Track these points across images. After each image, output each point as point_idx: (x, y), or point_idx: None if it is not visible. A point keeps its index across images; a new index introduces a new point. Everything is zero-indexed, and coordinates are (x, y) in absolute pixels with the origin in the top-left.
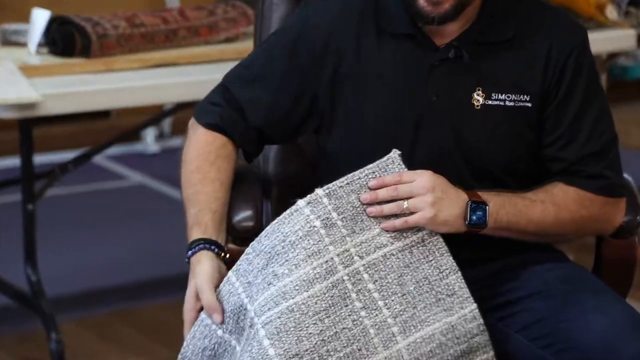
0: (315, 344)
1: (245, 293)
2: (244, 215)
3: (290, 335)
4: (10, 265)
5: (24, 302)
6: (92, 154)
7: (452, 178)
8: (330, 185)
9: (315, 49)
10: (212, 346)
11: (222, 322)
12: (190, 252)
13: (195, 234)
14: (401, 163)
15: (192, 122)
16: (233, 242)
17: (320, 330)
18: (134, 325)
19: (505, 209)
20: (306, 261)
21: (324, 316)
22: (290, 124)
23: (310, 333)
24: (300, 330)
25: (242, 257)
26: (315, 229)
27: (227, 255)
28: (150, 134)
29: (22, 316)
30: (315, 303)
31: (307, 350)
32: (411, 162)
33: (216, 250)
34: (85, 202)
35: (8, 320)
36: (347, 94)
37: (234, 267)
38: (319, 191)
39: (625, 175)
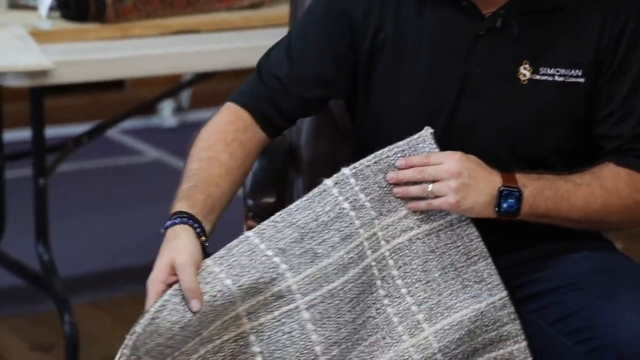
0: (350, 332)
1: (279, 258)
2: (265, 190)
3: (331, 322)
4: (21, 245)
5: (36, 282)
6: (107, 127)
7: (492, 158)
8: (357, 164)
9: (355, 16)
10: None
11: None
12: (169, 222)
13: (180, 206)
14: (433, 142)
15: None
16: (253, 219)
17: (353, 319)
18: None
19: (545, 194)
20: (341, 244)
21: (356, 304)
22: (330, 93)
23: (346, 320)
24: (339, 317)
25: (267, 223)
26: (345, 211)
27: (207, 246)
28: (167, 106)
29: (35, 298)
30: (350, 290)
31: (343, 338)
32: (447, 139)
33: (199, 231)
34: (99, 178)
35: (20, 302)
36: (384, 63)
37: (256, 229)
38: (345, 171)
39: None
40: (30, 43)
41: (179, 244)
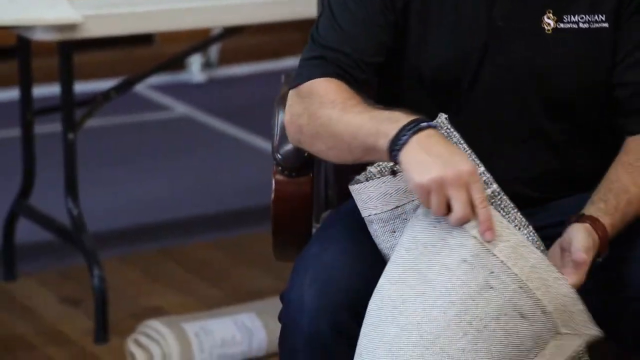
0: None
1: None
2: (292, 144)
3: None
4: (51, 199)
5: (65, 237)
6: (136, 81)
7: (523, 111)
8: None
9: None
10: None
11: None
12: (409, 132)
13: (393, 124)
14: (449, 126)
15: (293, 93)
16: (281, 173)
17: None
18: (180, 263)
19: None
20: None
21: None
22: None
23: None
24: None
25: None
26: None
27: None
28: (195, 62)
29: (64, 252)
30: None
31: None
32: (475, 94)
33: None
34: (128, 134)
35: (49, 256)
36: (412, 22)
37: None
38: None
39: None
40: None
41: (452, 150)
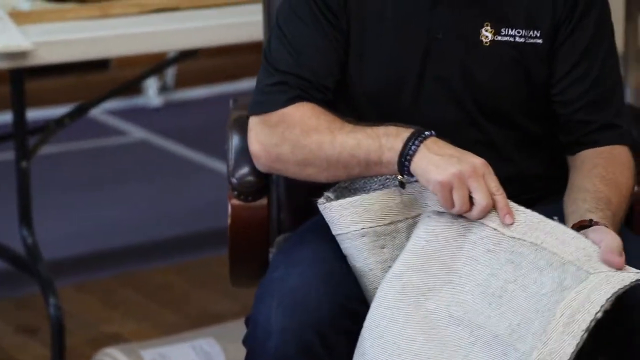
0: None
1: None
2: (249, 169)
3: None
4: (5, 228)
5: (20, 266)
6: (90, 107)
7: (463, 120)
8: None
9: None
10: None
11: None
12: (417, 142)
13: (395, 139)
14: None
15: (258, 120)
16: (237, 198)
17: None
18: (138, 288)
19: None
20: None
21: None
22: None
23: None
24: None
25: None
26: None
27: None
28: (152, 86)
29: (19, 281)
30: None
31: None
32: (417, 105)
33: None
34: (84, 160)
35: (4, 286)
36: (353, 37)
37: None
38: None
39: None
40: (8, 24)
41: (460, 152)
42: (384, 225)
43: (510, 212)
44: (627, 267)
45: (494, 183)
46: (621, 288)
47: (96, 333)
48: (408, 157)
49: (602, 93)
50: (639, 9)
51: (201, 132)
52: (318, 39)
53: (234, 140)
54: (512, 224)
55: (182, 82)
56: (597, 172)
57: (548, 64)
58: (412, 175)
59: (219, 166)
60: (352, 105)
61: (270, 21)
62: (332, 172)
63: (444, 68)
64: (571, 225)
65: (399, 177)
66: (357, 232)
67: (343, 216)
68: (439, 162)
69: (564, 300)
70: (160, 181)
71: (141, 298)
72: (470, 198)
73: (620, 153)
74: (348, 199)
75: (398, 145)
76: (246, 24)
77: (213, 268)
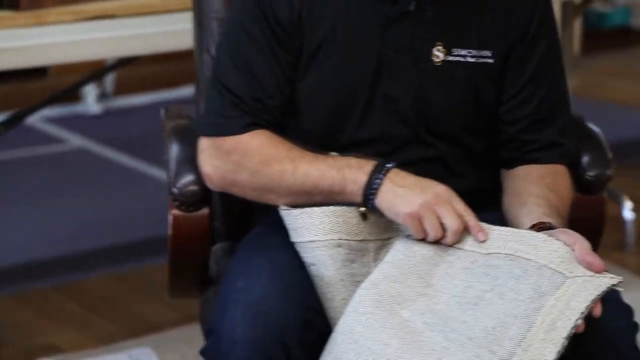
0: None
1: None
2: (190, 178)
3: None
4: None
5: None
6: (26, 114)
7: (411, 137)
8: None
9: (280, 10)
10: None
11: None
12: (380, 175)
13: (358, 171)
14: None
15: (210, 144)
16: (178, 208)
17: None
18: (76, 299)
19: None
20: None
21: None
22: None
23: None
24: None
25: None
26: None
27: None
28: (91, 93)
29: None
30: None
31: None
32: (365, 123)
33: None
34: (22, 168)
35: None
36: (306, 52)
37: None
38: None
39: (594, 127)
40: None
41: (427, 184)
42: (357, 241)
43: (482, 229)
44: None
45: (460, 206)
46: (599, 294)
47: (31, 344)
48: (372, 191)
49: (547, 113)
50: (574, 16)
51: (141, 139)
52: (270, 58)
53: (174, 150)
54: (485, 240)
55: (122, 89)
56: (545, 182)
57: (498, 84)
58: (375, 209)
59: (159, 174)
60: (301, 121)
61: (201, 30)
62: (293, 198)
63: (395, 87)
64: (529, 227)
65: (362, 209)
66: (334, 241)
67: (323, 223)
68: (404, 194)
69: (543, 306)
70: (99, 189)
71: (78, 308)
72: (442, 224)
73: (562, 169)
74: (330, 207)
75: (362, 178)
76: (186, 32)
77: (152, 277)
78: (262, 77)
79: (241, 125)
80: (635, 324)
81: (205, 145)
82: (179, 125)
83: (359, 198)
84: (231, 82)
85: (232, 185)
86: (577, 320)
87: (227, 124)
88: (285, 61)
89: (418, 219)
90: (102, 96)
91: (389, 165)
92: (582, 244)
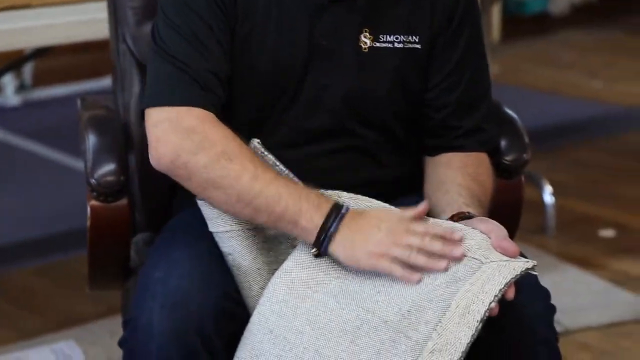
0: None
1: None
2: (108, 168)
3: None
4: None
5: None
6: None
7: (338, 125)
8: None
9: None
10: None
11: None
12: (335, 222)
13: (316, 210)
14: (263, 150)
15: (165, 117)
16: (96, 199)
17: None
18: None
19: None
20: None
21: None
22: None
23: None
24: None
25: None
26: None
27: None
28: (9, 85)
29: None
30: None
31: None
32: (295, 109)
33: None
34: None
35: None
36: (239, 35)
37: None
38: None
39: (511, 113)
40: None
41: (382, 215)
42: (272, 230)
43: (451, 232)
44: (518, 256)
45: (419, 228)
46: (513, 277)
47: None
48: (327, 239)
49: (472, 99)
50: (492, 3)
51: (61, 130)
52: (217, 31)
53: (91, 140)
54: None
55: (41, 80)
56: (467, 171)
57: (424, 71)
58: (328, 254)
59: (80, 165)
60: (232, 105)
61: (116, 19)
62: (236, 207)
63: (324, 75)
64: (449, 216)
65: (314, 250)
66: (249, 230)
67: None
68: (361, 240)
69: (458, 291)
70: (20, 182)
71: (2, 302)
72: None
73: (485, 157)
74: None
75: (318, 220)
76: (105, 21)
77: (75, 269)
78: (211, 49)
79: (199, 99)
80: (552, 306)
81: (160, 117)
82: (95, 115)
83: (311, 238)
84: (175, 48)
85: (183, 167)
86: (490, 303)
87: (182, 96)
88: (226, 40)
89: (383, 258)
90: (21, 88)
91: (344, 210)
92: (498, 231)
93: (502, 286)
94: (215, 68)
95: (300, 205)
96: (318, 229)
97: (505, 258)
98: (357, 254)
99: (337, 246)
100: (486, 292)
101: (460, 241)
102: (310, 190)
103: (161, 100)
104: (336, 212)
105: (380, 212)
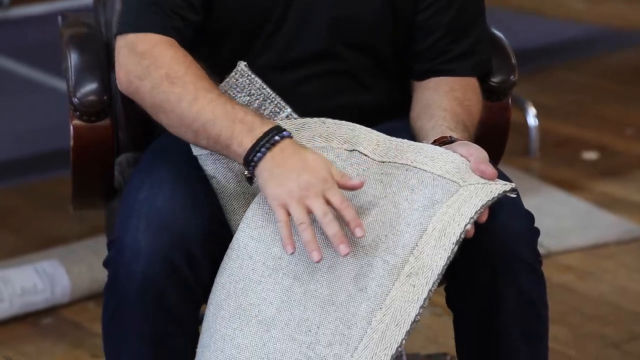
0: None
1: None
2: (90, 88)
3: None
4: None
5: None
6: None
7: (324, 49)
8: None
9: None
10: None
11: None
12: (263, 149)
13: (247, 134)
14: (250, 73)
15: (124, 42)
16: (79, 119)
17: None
18: None
19: None
20: None
21: None
22: None
23: None
24: None
25: None
26: None
27: None
28: None
29: None
30: None
31: None
32: (278, 35)
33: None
34: None
35: None
36: None
37: None
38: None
39: (498, 34)
40: None
41: (310, 157)
42: None
43: (360, 225)
44: (497, 179)
45: (335, 197)
46: (490, 200)
47: None
48: (252, 163)
49: (464, 22)
50: None
51: (40, 49)
52: None
53: (73, 59)
54: (362, 236)
55: None
56: (455, 95)
57: None
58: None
59: (60, 84)
60: (212, 31)
61: None
62: (180, 130)
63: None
64: (432, 140)
65: (246, 173)
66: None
67: None
68: (278, 176)
69: (435, 214)
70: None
71: None
72: None
73: (474, 83)
74: None
75: (247, 143)
76: None
77: (56, 189)
78: None
79: (158, 24)
80: (536, 229)
81: (121, 43)
82: (77, 33)
83: (240, 161)
84: None
85: (135, 92)
86: (466, 225)
87: (143, 22)
88: None
89: (283, 206)
90: None
91: (277, 137)
92: (478, 154)
93: (479, 208)
94: None
95: (233, 128)
96: (245, 154)
97: (483, 181)
98: (266, 190)
99: (258, 174)
100: (462, 215)
101: (360, 238)
102: (249, 113)
103: (125, 27)
104: (268, 138)
105: (315, 160)
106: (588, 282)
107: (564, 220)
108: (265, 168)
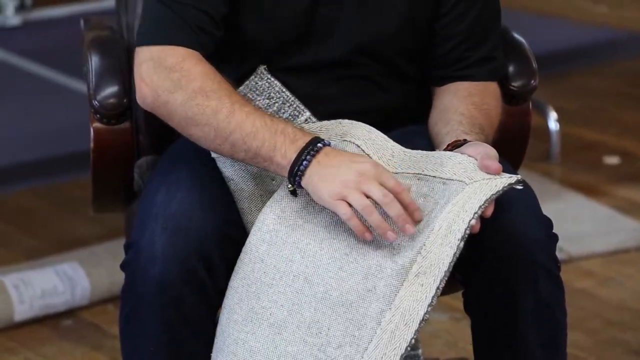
0: None
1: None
2: (111, 90)
3: None
4: None
5: None
6: None
7: (343, 58)
8: None
9: None
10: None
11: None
12: (308, 156)
13: (290, 145)
14: (270, 77)
15: (149, 56)
16: (99, 122)
17: None
18: None
19: None
20: None
21: None
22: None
23: None
24: None
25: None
26: None
27: None
28: (10, 5)
29: None
30: None
31: None
32: (305, 43)
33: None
34: None
35: None
36: None
37: None
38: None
39: (519, 38)
40: None
41: (360, 160)
42: None
43: (417, 208)
44: (502, 173)
45: (391, 182)
46: (494, 194)
47: None
48: (299, 173)
49: (482, 29)
50: None
51: (61, 51)
52: None
53: (94, 62)
54: (420, 220)
55: (41, 0)
56: (473, 100)
57: (433, 3)
58: (302, 187)
59: (80, 87)
60: (235, 40)
61: None
62: (216, 144)
63: (332, 9)
64: (446, 145)
65: (289, 186)
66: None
67: None
68: (328, 174)
69: (441, 213)
70: (20, 102)
71: (2, 223)
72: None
73: (494, 88)
74: None
75: (291, 154)
76: None
77: (77, 192)
78: None
79: (185, 38)
80: (554, 235)
81: (145, 57)
82: (99, 36)
83: (285, 174)
84: None
85: (164, 105)
86: (470, 220)
87: (168, 35)
88: None
89: (342, 199)
90: (21, 7)
91: (320, 144)
92: (485, 151)
93: (482, 203)
94: (208, 8)
95: (276, 140)
96: (290, 165)
97: (488, 176)
98: (321, 192)
99: (307, 182)
100: (467, 211)
101: (419, 221)
102: (289, 125)
103: (148, 39)
104: (311, 147)
105: (360, 154)
106: (608, 288)
107: (584, 226)
108: (313, 172)
